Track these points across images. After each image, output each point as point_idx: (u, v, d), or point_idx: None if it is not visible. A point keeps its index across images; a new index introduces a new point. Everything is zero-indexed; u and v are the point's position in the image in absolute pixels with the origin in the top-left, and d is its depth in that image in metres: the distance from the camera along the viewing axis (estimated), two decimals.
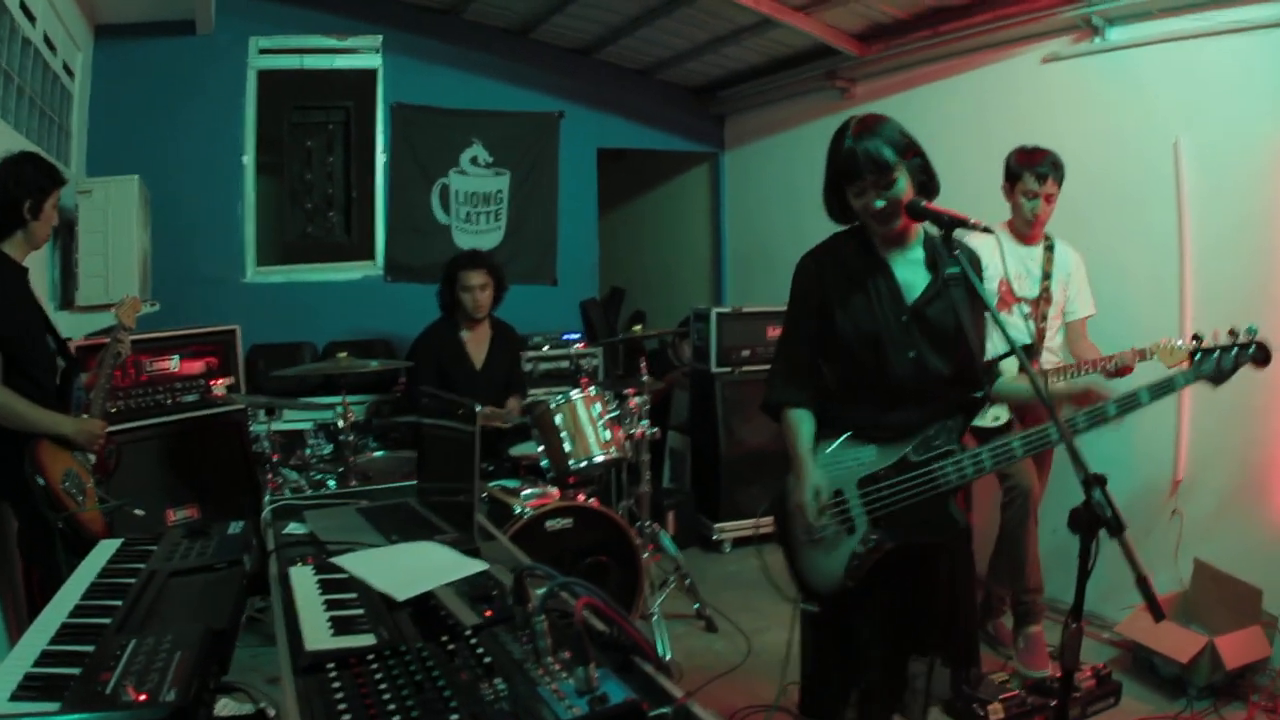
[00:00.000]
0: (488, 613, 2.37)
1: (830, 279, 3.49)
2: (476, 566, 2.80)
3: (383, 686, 1.97)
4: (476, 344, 6.87)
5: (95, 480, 4.69)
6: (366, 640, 2.25)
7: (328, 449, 6.85)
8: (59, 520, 4.33)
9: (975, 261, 3.41)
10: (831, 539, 3.47)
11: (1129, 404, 3.38)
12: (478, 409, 3.41)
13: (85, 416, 4.71)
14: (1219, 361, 3.55)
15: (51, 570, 4.27)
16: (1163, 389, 3.42)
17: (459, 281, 6.69)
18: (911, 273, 3.46)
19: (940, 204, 3.31)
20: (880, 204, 3.29)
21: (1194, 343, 3.66)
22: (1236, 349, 3.57)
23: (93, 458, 4.73)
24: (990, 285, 5.29)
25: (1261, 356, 3.57)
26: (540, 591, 2.12)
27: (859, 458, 3.45)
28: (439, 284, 6.90)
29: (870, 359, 3.42)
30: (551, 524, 5.49)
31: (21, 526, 4.58)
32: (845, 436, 3.50)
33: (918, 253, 3.48)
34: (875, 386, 3.45)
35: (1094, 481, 2.70)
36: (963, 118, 7.29)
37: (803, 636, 3.73)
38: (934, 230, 3.29)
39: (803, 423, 3.54)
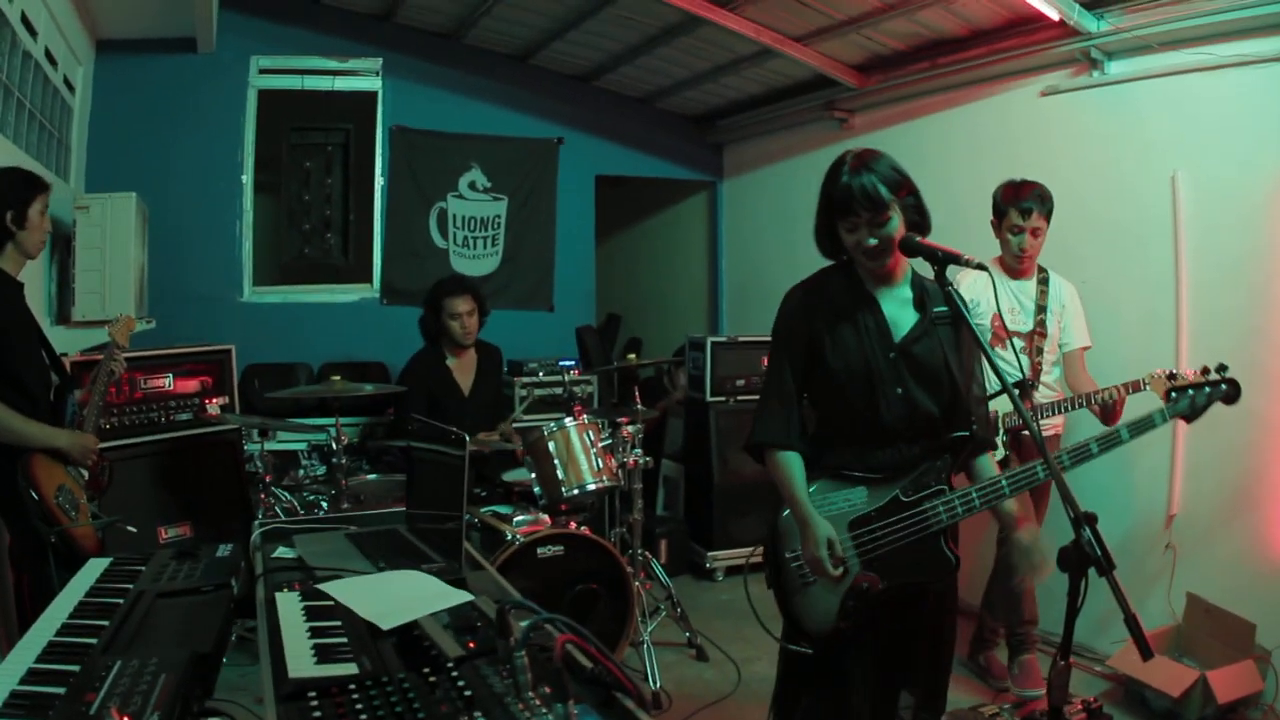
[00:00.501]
0: (471, 644, 2.36)
1: (819, 314, 3.47)
2: (462, 597, 2.79)
3: (363, 717, 1.97)
4: (463, 371, 6.84)
5: (88, 496, 4.69)
6: (348, 669, 2.24)
7: (321, 470, 6.85)
8: (52, 534, 4.33)
9: (963, 303, 3.41)
10: (823, 582, 3.42)
11: (1110, 442, 3.46)
12: (467, 438, 3.42)
13: (79, 431, 4.71)
14: (1193, 400, 3.74)
15: (43, 584, 4.27)
16: (1142, 426, 3.57)
17: (445, 309, 6.64)
18: (899, 310, 3.45)
19: (937, 237, 3.32)
20: (873, 241, 3.28)
21: (1169, 381, 3.78)
22: (1209, 387, 3.72)
23: (86, 473, 4.73)
24: (983, 322, 5.31)
25: (1232, 394, 3.80)
26: (523, 625, 2.12)
27: (850, 499, 3.43)
28: (422, 310, 6.86)
29: (859, 396, 3.40)
30: (543, 551, 5.47)
31: (14, 540, 4.58)
32: (831, 477, 3.47)
33: (905, 291, 3.48)
34: (862, 425, 3.43)
35: (1084, 520, 2.71)
36: (961, 150, 7.32)
37: (783, 676, 3.69)
38: (926, 266, 3.29)
39: (795, 466, 3.47)
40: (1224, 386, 3.80)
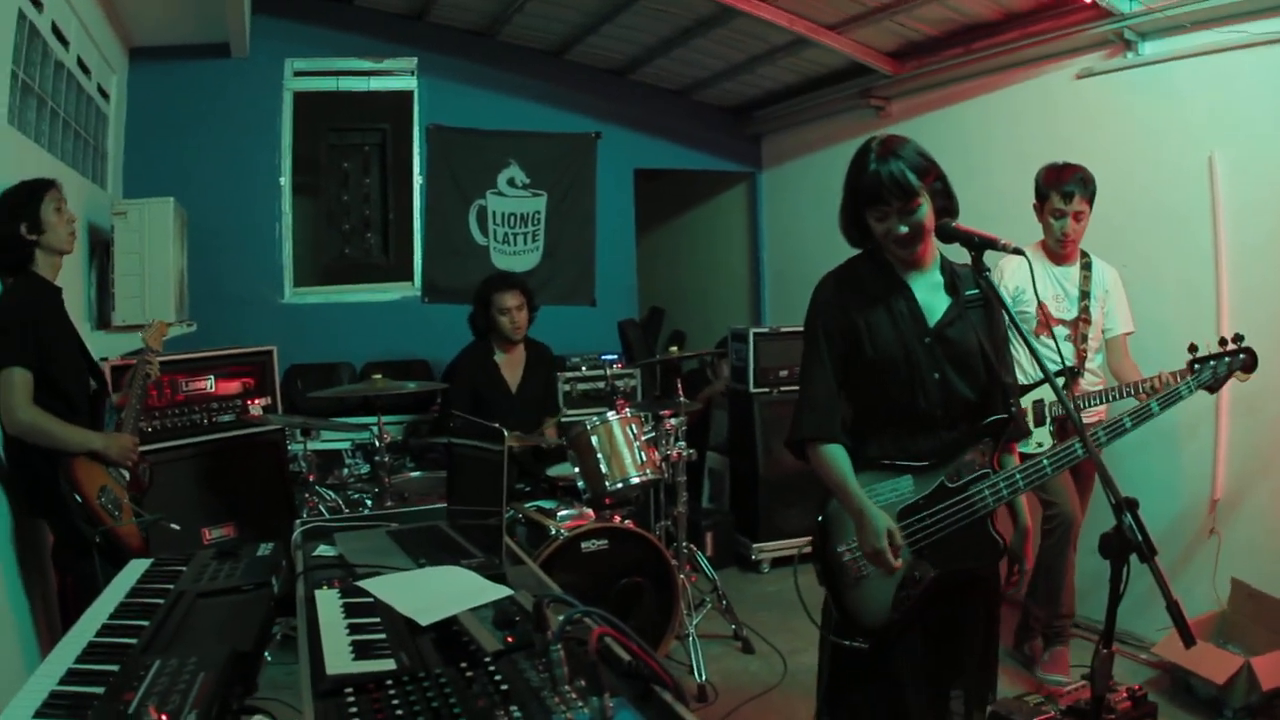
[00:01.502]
0: (509, 639, 2.35)
1: (853, 303, 3.43)
2: (501, 592, 2.79)
3: (399, 713, 1.96)
4: (511, 367, 6.86)
5: (130, 497, 4.72)
6: (386, 665, 2.24)
7: (365, 469, 6.87)
8: (96, 535, 4.36)
9: (996, 290, 3.36)
10: (877, 574, 3.37)
11: (1142, 416, 3.61)
12: (506, 433, 3.41)
13: (117, 433, 4.75)
14: (1214, 370, 3.81)
15: (88, 583, 4.30)
16: (1170, 398, 3.73)
17: (494, 304, 6.68)
18: (931, 296, 3.42)
19: (978, 222, 3.27)
20: (904, 229, 3.26)
21: (1190, 353, 3.83)
22: (1228, 357, 3.78)
23: (127, 474, 4.76)
24: (1027, 309, 5.26)
25: (1249, 363, 3.94)
26: (559, 619, 2.11)
27: (897, 489, 3.39)
28: (472, 307, 6.88)
29: (898, 384, 3.37)
30: (587, 545, 5.47)
31: (57, 541, 4.62)
32: (875, 469, 3.42)
33: (936, 276, 3.45)
34: (901, 413, 3.40)
35: (1125, 506, 2.67)
36: (998, 135, 7.27)
37: (833, 671, 3.60)
38: (962, 250, 3.26)
39: (842, 459, 3.40)
40: (1241, 356, 3.92)
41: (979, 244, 3.18)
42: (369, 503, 6.18)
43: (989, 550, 3.37)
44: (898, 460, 3.41)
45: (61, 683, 2.19)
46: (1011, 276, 5.21)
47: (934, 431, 3.39)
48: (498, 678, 2.10)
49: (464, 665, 2.19)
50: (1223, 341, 3.93)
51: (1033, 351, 3.21)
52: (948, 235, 3.24)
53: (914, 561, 3.34)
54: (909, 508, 3.36)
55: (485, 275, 7.28)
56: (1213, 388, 3.89)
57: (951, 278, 3.44)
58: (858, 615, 3.44)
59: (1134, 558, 2.68)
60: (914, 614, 3.36)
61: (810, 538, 3.61)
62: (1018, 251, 3.16)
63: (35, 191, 4.59)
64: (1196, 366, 3.86)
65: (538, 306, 6.98)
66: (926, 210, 3.25)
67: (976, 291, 3.40)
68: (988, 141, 7.28)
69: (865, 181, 3.26)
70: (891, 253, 3.39)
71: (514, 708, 1.94)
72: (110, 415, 4.94)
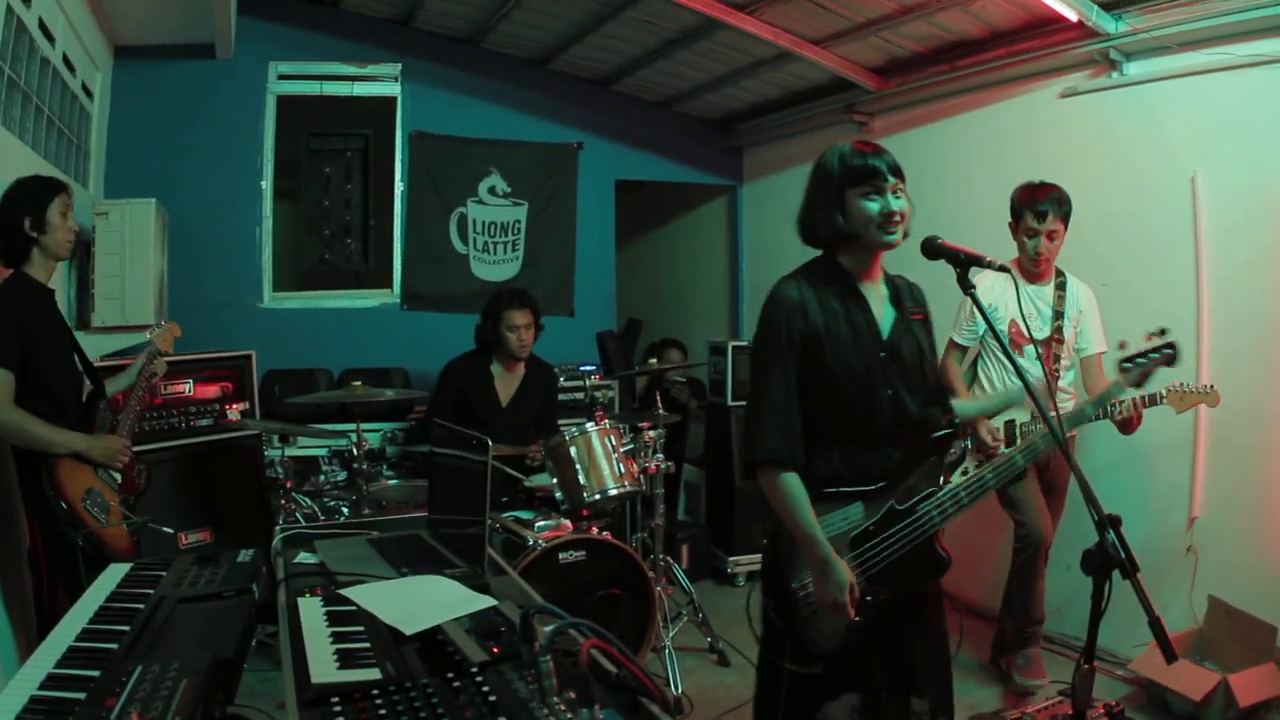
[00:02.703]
0: (495, 649, 2.35)
1: (812, 311, 3.31)
2: (485, 602, 2.78)
3: None
4: (507, 381, 6.79)
5: (123, 499, 4.69)
6: (372, 675, 2.23)
7: (342, 476, 6.86)
8: (79, 538, 4.33)
9: (983, 311, 3.34)
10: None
11: (1079, 418, 3.87)
12: (490, 443, 3.41)
13: (103, 435, 4.72)
14: (1142, 368, 3.85)
15: (74, 587, 4.27)
16: (1104, 399, 3.99)
17: (504, 320, 6.58)
18: (880, 308, 3.39)
19: (957, 239, 3.27)
20: (902, 203, 3.23)
21: (1120, 350, 3.92)
22: (1153, 352, 3.84)
23: (118, 476, 4.73)
24: (1000, 327, 5.28)
25: (1171, 357, 3.86)
26: (548, 630, 2.10)
27: (848, 517, 3.29)
28: (479, 318, 6.80)
29: (857, 399, 3.28)
30: (564, 556, 5.45)
31: (41, 544, 4.59)
32: (825, 499, 3.28)
33: (883, 289, 3.42)
34: (854, 429, 3.31)
35: (1108, 522, 2.68)
36: (981, 152, 7.31)
37: (786, 698, 3.41)
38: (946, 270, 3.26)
39: (799, 492, 3.22)
40: (1167, 350, 3.86)
41: (965, 261, 3.17)
42: (346, 510, 6.17)
43: (937, 568, 3.32)
44: (847, 485, 3.30)
45: (42, 687, 2.18)
46: (986, 293, 5.22)
47: (884, 450, 3.32)
48: (485, 688, 2.10)
49: (450, 675, 2.19)
50: (1149, 336, 3.96)
51: (1016, 368, 3.20)
52: (933, 251, 3.22)
53: (865, 587, 3.26)
54: (861, 535, 3.29)
55: (464, 284, 7.25)
56: (1139, 384, 3.90)
57: (895, 290, 3.43)
58: (812, 644, 3.33)
59: (1115, 574, 2.69)
60: (866, 636, 3.28)
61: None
62: (1003, 269, 3.17)
63: (47, 189, 4.58)
64: (1126, 365, 3.88)
65: (544, 327, 6.91)
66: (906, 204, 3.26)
67: (915, 306, 3.43)
68: (970, 159, 7.32)
69: (854, 164, 3.25)
70: (871, 241, 3.30)
71: (502, 719, 1.94)
72: (105, 415, 4.90)
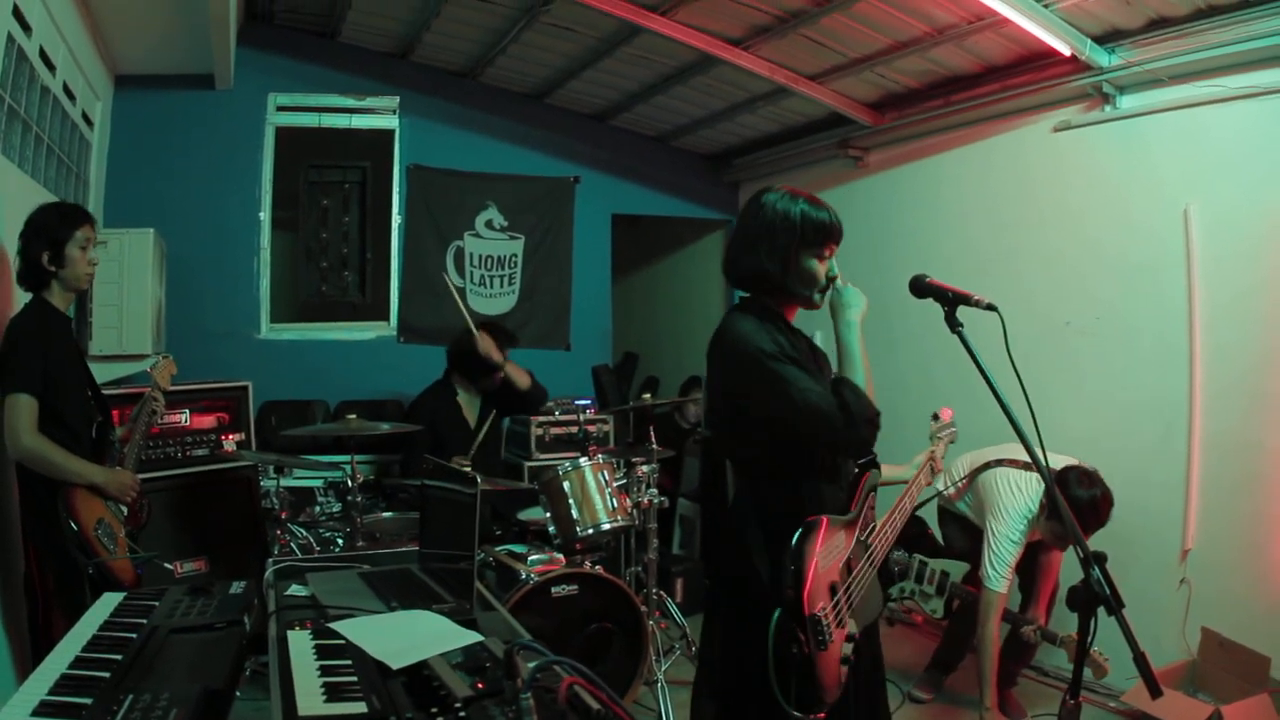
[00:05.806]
0: (479, 685, 2.36)
1: (783, 342, 3.27)
2: (472, 638, 2.80)
3: None
4: (472, 403, 6.98)
5: (128, 531, 4.71)
6: (357, 708, 2.25)
7: (337, 507, 6.87)
8: (90, 566, 4.34)
9: (970, 348, 3.29)
10: (833, 634, 3.11)
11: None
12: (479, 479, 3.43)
13: (118, 469, 4.74)
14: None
15: (78, 615, 4.29)
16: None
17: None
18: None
19: (948, 276, 3.28)
20: (835, 268, 3.35)
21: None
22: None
23: (125, 509, 4.75)
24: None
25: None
26: (530, 666, 2.12)
27: (837, 546, 3.21)
28: (448, 348, 6.91)
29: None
30: (557, 590, 5.45)
31: (43, 570, 4.59)
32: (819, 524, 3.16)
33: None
34: (822, 462, 3.32)
35: (1093, 560, 2.70)
36: (974, 186, 7.36)
37: None
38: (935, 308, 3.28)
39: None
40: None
41: (952, 299, 3.19)
42: (340, 541, 6.17)
43: (884, 598, 3.44)
44: (823, 512, 3.21)
45: (34, 714, 2.19)
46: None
47: (837, 480, 3.36)
48: None
49: (434, 710, 2.21)
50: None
51: (1002, 404, 3.17)
52: (921, 290, 3.25)
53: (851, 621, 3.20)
54: (847, 564, 3.25)
55: (461, 317, 7.28)
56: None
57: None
58: (819, 682, 3.07)
59: (1101, 610, 2.71)
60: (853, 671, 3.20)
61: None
62: (990, 307, 3.16)
63: (68, 222, 4.58)
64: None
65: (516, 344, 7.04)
66: None
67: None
68: (963, 193, 7.38)
69: (822, 223, 3.31)
70: (804, 298, 3.39)
71: None
72: (115, 448, 4.92)
